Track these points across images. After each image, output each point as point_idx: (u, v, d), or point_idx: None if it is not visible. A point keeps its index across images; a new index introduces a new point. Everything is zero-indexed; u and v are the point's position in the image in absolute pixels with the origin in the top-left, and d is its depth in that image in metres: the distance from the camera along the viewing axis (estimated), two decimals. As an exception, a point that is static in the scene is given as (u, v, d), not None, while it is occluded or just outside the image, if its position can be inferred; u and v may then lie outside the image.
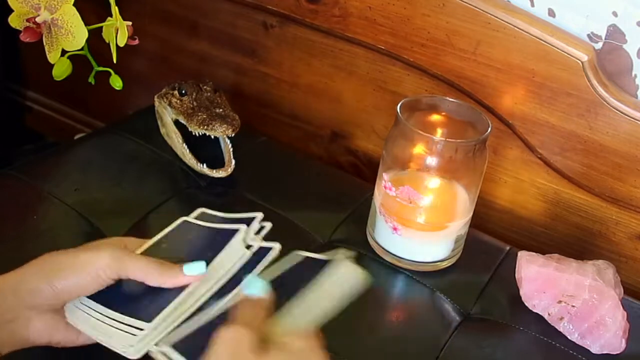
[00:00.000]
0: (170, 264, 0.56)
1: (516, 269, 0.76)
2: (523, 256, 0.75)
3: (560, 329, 0.73)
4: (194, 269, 0.56)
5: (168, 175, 0.88)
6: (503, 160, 0.92)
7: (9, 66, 1.36)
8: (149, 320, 0.53)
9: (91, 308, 0.56)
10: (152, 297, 0.55)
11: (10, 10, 0.75)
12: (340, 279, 0.56)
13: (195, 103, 0.87)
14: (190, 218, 0.66)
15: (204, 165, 0.85)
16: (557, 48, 0.81)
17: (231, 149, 0.87)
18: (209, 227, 0.64)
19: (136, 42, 0.81)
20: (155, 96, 0.92)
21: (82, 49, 0.77)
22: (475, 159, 0.75)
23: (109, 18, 0.79)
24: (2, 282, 0.53)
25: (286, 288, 0.55)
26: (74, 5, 0.75)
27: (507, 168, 0.92)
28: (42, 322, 0.55)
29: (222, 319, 0.53)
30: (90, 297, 0.56)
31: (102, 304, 0.56)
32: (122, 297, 0.56)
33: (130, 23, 0.79)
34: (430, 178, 0.76)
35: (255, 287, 0.52)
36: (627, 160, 0.83)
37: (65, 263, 0.54)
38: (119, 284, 0.56)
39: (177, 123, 0.89)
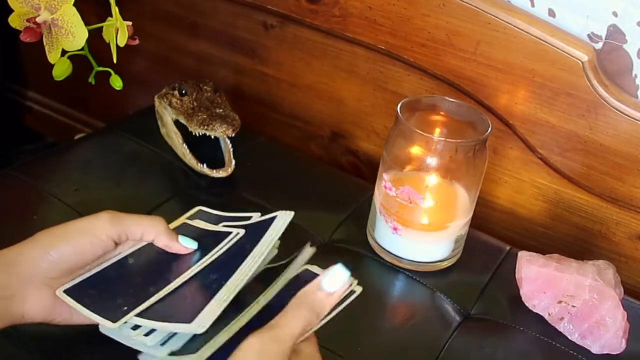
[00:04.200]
0: (171, 231, 0.59)
1: (516, 269, 0.76)
2: (523, 256, 0.75)
3: (561, 329, 0.73)
4: (188, 242, 0.59)
5: (168, 176, 0.88)
6: (503, 160, 0.92)
7: (9, 66, 1.36)
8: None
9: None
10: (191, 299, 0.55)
11: (10, 10, 0.75)
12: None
13: (195, 103, 0.87)
14: (189, 219, 0.66)
15: (204, 165, 0.85)
16: (557, 48, 0.81)
17: (231, 149, 0.87)
18: (205, 230, 0.64)
19: (136, 42, 0.81)
20: (155, 96, 0.92)
21: (82, 49, 0.77)
22: (475, 159, 0.75)
23: (109, 18, 0.79)
24: (1, 257, 0.53)
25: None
26: (74, 5, 0.75)
27: (507, 168, 0.92)
28: (39, 299, 0.54)
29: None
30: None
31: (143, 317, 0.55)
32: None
33: (130, 23, 0.79)
34: (430, 178, 0.76)
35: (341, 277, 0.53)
36: (627, 160, 0.83)
37: (61, 232, 0.54)
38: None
39: (177, 123, 0.89)
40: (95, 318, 0.54)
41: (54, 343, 0.63)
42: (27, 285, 0.53)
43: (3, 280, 0.52)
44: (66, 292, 0.56)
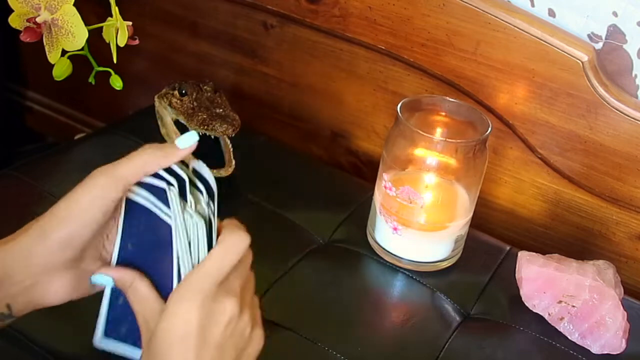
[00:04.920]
0: (163, 145, 0.54)
1: (516, 269, 0.76)
2: (523, 256, 0.75)
3: (561, 329, 0.73)
4: (187, 140, 0.55)
5: (168, 175, 0.88)
6: (503, 160, 0.92)
7: (9, 66, 1.36)
8: None
9: None
10: None
11: (11, 10, 0.75)
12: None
13: (195, 103, 0.87)
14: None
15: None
16: (557, 48, 0.81)
17: (231, 149, 0.87)
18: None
19: (136, 42, 0.81)
20: (156, 96, 0.92)
21: (82, 49, 0.77)
22: (475, 159, 0.75)
23: (109, 18, 0.79)
24: (7, 255, 0.51)
25: None
26: (74, 5, 0.75)
27: (507, 168, 0.92)
28: (61, 282, 0.52)
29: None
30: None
31: None
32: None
33: (130, 23, 0.79)
34: (430, 178, 0.76)
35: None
36: (627, 161, 0.83)
37: (64, 212, 0.51)
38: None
39: (177, 123, 0.89)
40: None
41: (54, 340, 0.63)
42: (44, 274, 0.52)
43: (22, 275, 0.51)
44: (104, 342, 0.55)
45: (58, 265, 0.52)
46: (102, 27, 0.80)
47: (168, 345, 0.48)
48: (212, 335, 0.49)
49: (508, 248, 0.84)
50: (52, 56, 0.77)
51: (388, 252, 0.79)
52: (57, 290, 0.53)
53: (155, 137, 0.93)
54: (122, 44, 0.78)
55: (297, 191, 0.89)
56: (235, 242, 0.52)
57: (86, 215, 0.51)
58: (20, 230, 0.53)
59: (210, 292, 0.49)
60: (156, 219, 0.54)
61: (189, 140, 0.55)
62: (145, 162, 0.53)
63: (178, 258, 0.52)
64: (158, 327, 0.49)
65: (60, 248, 0.51)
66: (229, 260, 0.51)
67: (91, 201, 0.51)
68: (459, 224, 0.78)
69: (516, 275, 0.76)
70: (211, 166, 0.85)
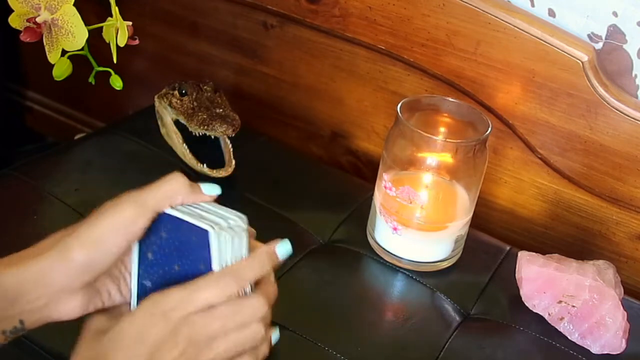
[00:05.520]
0: (191, 182, 0.55)
1: (516, 269, 0.76)
2: (523, 256, 0.75)
3: (561, 329, 0.73)
4: (212, 189, 0.55)
5: (168, 176, 0.88)
6: (503, 160, 0.92)
7: (9, 66, 1.36)
8: None
9: None
10: None
11: (11, 10, 0.75)
12: None
13: (195, 103, 0.87)
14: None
15: (204, 165, 0.85)
16: (557, 48, 0.81)
17: (231, 149, 0.87)
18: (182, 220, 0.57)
19: (136, 42, 0.81)
20: (156, 96, 0.92)
21: (82, 49, 0.77)
22: (476, 159, 0.75)
23: (109, 18, 0.79)
24: (26, 273, 0.51)
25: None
26: (74, 5, 0.75)
27: (507, 168, 0.92)
28: (74, 302, 0.52)
29: None
30: None
31: None
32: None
33: (130, 23, 0.79)
34: (430, 178, 0.76)
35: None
36: (627, 161, 0.83)
37: (87, 236, 0.51)
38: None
39: (177, 123, 0.89)
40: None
41: (54, 340, 0.63)
42: (59, 293, 0.51)
43: (37, 294, 0.51)
44: None
45: (74, 287, 0.52)
46: (102, 27, 0.80)
47: (115, 346, 0.48)
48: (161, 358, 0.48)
49: (508, 248, 0.84)
50: (52, 56, 0.77)
51: (388, 252, 0.79)
52: (70, 308, 0.52)
53: (156, 137, 0.93)
54: (122, 44, 0.78)
55: (297, 191, 0.89)
56: (245, 303, 0.51)
57: (110, 243, 0.51)
58: (40, 245, 0.52)
59: (181, 317, 0.49)
60: (184, 224, 0.53)
61: (214, 190, 0.56)
62: (174, 192, 0.53)
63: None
64: (116, 325, 0.49)
65: (79, 272, 0.51)
66: (218, 299, 0.50)
67: (116, 230, 0.51)
68: (459, 224, 0.78)
69: (516, 275, 0.76)
70: (211, 166, 0.86)
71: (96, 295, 0.53)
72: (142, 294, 0.53)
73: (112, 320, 0.51)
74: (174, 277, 0.53)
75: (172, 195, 0.53)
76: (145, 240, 0.54)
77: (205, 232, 0.51)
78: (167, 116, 0.89)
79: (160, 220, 0.53)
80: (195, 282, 0.50)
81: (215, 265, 0.51)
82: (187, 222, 0.52)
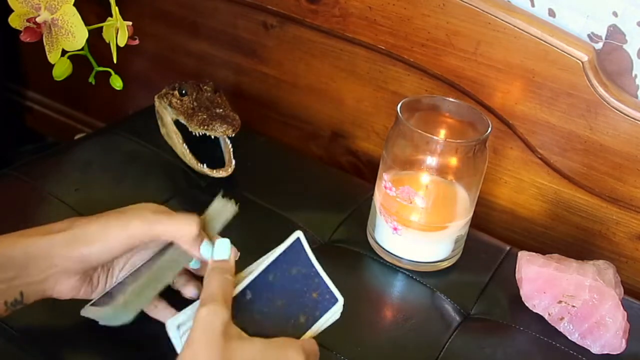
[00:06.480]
0: (203, 233, 0.59)
1: (516, 269, 0.76)
2: (523, 256, 0.75)
3: (561, 329, 0.73)
4: (221, 253, 0.58)
5: (168, 176, 0.88)
6: (503, 160, 0.92)
7: (9, 66, 1.36)
8: None
9: None
10: None
11: (10, 10, 0.75)
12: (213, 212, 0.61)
13: (195, 103, 0.87)
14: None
15: (204, 165, 0.85)
16: (557, 48, 0.81)
17: (231, 149, 0.87)
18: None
19: (136, 42, 0.81)
20: (155, 96, 0.92)
21: (82, 49, 0.77)
22: (476, 159, 0.75)
23: (109, 18, 0.79)
24: (34, 247, 0.56)
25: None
26: (74, 5, 0.75)
27: (507, 168, 0.92)
28: (69, 283, 0.59)
29: None
30: None
31: None
32: None
33: (130, 23, 0.79)
34: (430, 178, 0.76)
35: (224, 250, 0.57)
36: (627, 160, 0.83)
37: (94, 235, 0.57)
38: None
39: (177, 123, 0.89)
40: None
41: (54, 340, 0.63)
42: (59, 273, 0.58)
43: (38, 269, 0.57)
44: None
45: (72, 271, 0.58)
46: (102, 27, 0.80)
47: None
48: None
49: (508, 248, 0.84)
50: (52, 56, 0.77)
51: (388, 252, 0.79)
52: (65, 288, 0.59)
53: (156, 137, 0.93)
54: (122, 44, 0.78)
55: (297, 191, 0.89)
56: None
57: (111, 245, 0.58)
58: (53, 226, 0.58)
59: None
60: (321, 280, 0.59)
61: (223, 254, 0.58)
62: (182, 234, 0.58)
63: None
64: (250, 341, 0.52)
65: (80, 260, 0.58)
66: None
67: (120, 239, 0.58)
68: (459, 224, 0.78)
69: (516, 275, 0.76)
70: (211, 166, 0.86)
71: (89, 282, 0.60)
72: (240, 299, 0.55)
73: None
74: (272, 309, 0.56)
75: (177, 236, 0.58)
76: (281, 260, 0.58)
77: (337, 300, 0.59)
78: (167, 116, 0.89)
79: (302, 257, 0.58)
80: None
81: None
82: (324, 280, 0.59)
